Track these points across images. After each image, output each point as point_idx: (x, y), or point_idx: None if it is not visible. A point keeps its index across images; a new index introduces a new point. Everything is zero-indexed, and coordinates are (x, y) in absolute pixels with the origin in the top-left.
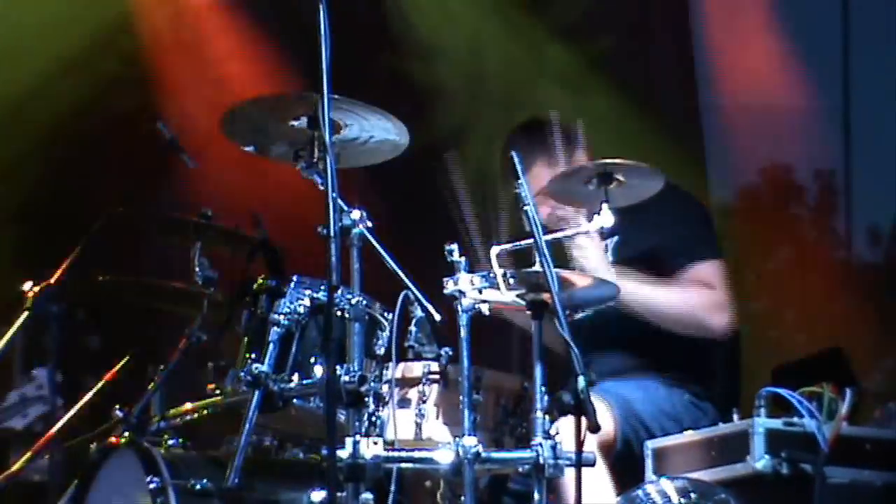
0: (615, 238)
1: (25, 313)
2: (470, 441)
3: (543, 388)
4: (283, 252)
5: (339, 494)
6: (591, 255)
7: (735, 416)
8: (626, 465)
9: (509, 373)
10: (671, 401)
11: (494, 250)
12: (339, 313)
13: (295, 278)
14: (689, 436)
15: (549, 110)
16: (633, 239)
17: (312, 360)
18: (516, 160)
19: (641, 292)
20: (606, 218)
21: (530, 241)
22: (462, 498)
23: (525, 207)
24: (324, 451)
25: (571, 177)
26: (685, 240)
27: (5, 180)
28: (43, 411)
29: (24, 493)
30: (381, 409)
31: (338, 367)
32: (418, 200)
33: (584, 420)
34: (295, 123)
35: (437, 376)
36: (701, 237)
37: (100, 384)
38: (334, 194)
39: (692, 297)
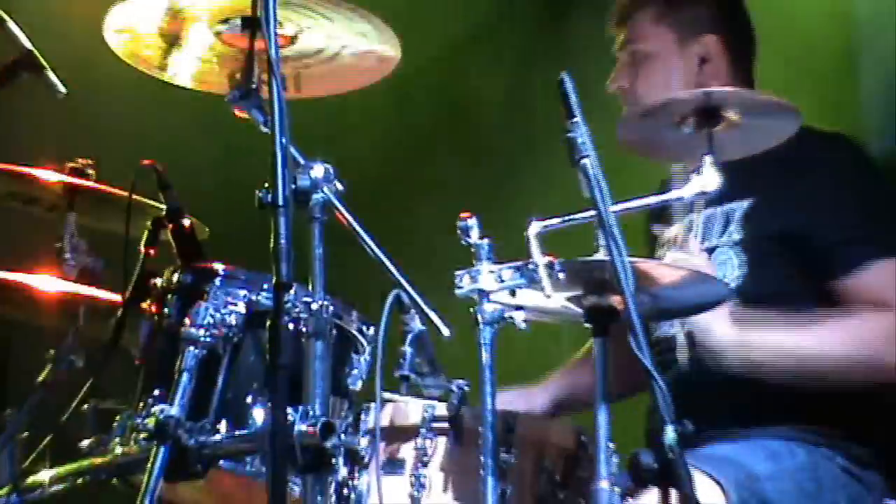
0: (743, 204)
1: None
2: None
3: (610, 445)
4: (204, 230)
5: None
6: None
7: None
8: None
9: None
10: (816, 472)
11: (534, 228)
12: (291, 326)
13: (222, 271)
14: None
15: None
16: (773, 208)
17: (249, 399)
18: (567, 84)
19: (784, 342)
20: (709, 178)
21: (590, 214)
22: None
23: (582, 160)
24: None
25: (656, 114)
26: (863, 224)
27: None
28: None
29: None
30: (357, 475)
31: (290, 411)
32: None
33: (674, 493)
34: (224, 29)
35: (444, 424)
36: (885, 223)
37: None
38: (284, 139)
39: (866, 333)
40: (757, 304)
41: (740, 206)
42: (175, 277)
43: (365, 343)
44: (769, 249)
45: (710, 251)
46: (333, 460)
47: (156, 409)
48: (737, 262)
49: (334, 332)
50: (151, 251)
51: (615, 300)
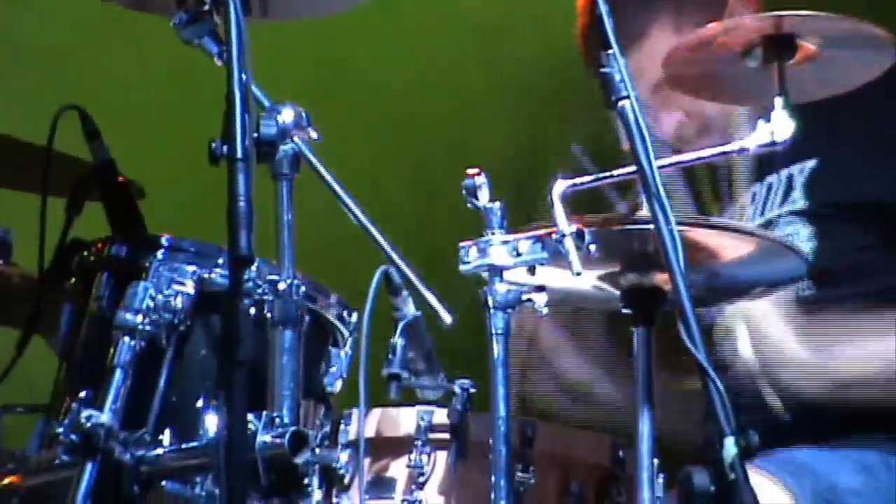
0: (806, 165)
1: None
2: None
3: (655, 461)
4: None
5: None
6: None
7: None
8: None
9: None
10: None
11: (559, 187)
12: (252, 311)
13: (166, 242)
14: None
15: None
16: (842, 168)
17: (199, 402)
18: (601, 7)
19: (872, 352)
20: (781, 125)
21: (630, 170)
22: None
23: (619, 102)
24: None
25: (714, 45)
26: None
27: None
28: None
29: None
30: (336, 499)
31: (250, 418)
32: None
33: None
34: None
35: (445, 435)
36: None
37: None
38: (244, 75)
39: None
40: (830, 281)
41: (803, 168)
42: (106, 250)
43: (346, 333)
44: (839, 217)
45: (771, 223)
46: (306, 480)
47: (81, 414)
48: (805, 234)
49: (307, 318)
50: (75, 217)
51: (662, 278)
